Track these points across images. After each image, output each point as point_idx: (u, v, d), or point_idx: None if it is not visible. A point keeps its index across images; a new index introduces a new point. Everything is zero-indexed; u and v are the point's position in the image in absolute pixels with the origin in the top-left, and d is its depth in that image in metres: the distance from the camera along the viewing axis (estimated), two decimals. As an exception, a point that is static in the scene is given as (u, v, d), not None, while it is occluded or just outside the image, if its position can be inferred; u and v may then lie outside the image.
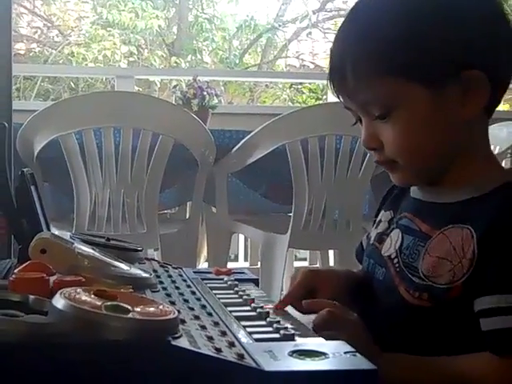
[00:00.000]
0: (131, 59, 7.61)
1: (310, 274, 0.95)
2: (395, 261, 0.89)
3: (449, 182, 0.88)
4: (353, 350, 0.63)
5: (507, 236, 0.79)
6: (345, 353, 0.63)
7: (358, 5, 0.90)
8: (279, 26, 8.49)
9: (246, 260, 3.96)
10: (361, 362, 0.61)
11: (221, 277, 1.02)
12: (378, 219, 0.99)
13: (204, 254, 3.17)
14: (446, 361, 0.79)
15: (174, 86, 3.09)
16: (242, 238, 3.90)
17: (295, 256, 3.55)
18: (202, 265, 3.08)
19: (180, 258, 2.34)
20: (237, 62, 8.17)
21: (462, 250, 0.81)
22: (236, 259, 4.05)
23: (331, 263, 2.87)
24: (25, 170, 1.04)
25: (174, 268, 1.05)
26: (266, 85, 8.22)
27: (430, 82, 0.83)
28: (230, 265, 3.00)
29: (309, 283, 0.94)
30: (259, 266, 2.71)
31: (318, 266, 3.05)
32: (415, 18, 0.84)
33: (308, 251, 3.40)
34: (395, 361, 0.79)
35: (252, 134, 2.36)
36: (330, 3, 8.60)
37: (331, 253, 2.92)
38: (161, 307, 0.65)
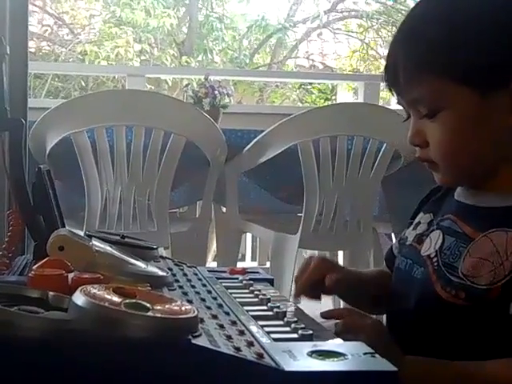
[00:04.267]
0: (143, 57, 7.63)
1: (322, 262, 1.02)
2: (434, 260, 0.89)
3: (495, 187, 0.89)
4: (372, 351, 0.63)
5: None
6: (364, 354, 0.63)
7: (415, 6, 0.92)
8: (290, 26, 8.49)
9: (253, 259, 3.96)
10: (381, 364, 0.61)
11: (235, 276, 1.02)
12: (416, 221, 1.00)
13: (212, 252, 3.18)
14: (473, 366, 0.79)
15: (186, 85, 3.10)
16: (249, 237, 3.90)
17: (304, 257, 3.55)
18: (210, 264, 3.09)
19: (189, 257, 2.34)
20: (247, 61, 8.18)
21: (505, 253, 0.82)
22: (243, 259, 4.04)
23: (340, 263, 2.87)
24: (41, 166, 1.04)
25: (188, 267, 1.05)
26: (276, 85, 8.22)
27: (478, 86, 0.84)
28: (238, 264, 3.00)
29: (319, 272, 0.99)
30: (268, 265, 2.72)
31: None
32: (466, 22, 0.85)
33: (317, 252, 3.40)
34: (418, 364, 0.79)
35: (264, 133, 2.36)
36: (341, 4, 8.59)
37: (341, 254, 2.91)
38: (180, 305, 0.65)
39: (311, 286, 1.00)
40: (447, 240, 0.89)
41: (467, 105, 0.85)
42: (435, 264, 0.89)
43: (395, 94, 0.91)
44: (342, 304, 2.61)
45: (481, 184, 0.91)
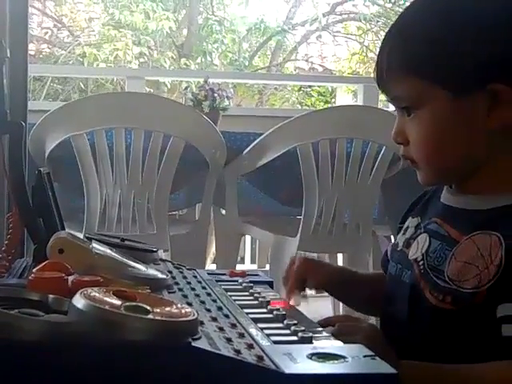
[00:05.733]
0: (142, 60, 7.64)
1: (304, 262, 1.06)
2: (420, 263, 0.90)
3: (476, 189, 0.89)
4: (372, 353, 0.63)
5: None
6: (364, 356, 0.63)
7: (407, 7, 0.94)
8: (289, 28, 8.50)
9: (252, 262, 3.96)
10: (381, 366, 0.61)
11: (235, 279, 1.02)
12: (405, 226, 1.00)
13: (211, 255, 3.18)
14: (465, 369, 0.79)
15: (185, 88, 3.10)
16: (248, 240, 3.90)
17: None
18: (209, 266, 3.08)
19: (189, 259, 2.34)
20: (246, 64, 8.18)
21: (489, 257, 0.82)
22: (242, 261, 4.04)
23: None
24: (41, 169, 1.04)
25: (188, 269, 1.05)
26: (275, 87, 8.23)
27: (455, 89, 0.85)
28: (237, 267, 3.00)
29: (303, 272, 1.04)
30: (268, 268, 2.71)
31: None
32: (447, 25, 0.86)
33: (317, 254, 3.40)
34: (413, 368, 0.79)
35: (263, 136, 2.36)
36: (339, 6, 8.60)
37: (340, 256, 2.91)
38: (180, 308, 0.65)
39: (298, 288, 1.02)
40: (433, 243, 0.90)
41: (443, 106, 0.86)
42: (421, 267, 0.89)
43: (380, 91, 0.93)
44: (341, 308, 2.61)
45: (461, 184, 0.91)
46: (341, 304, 2.49)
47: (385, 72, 0.89)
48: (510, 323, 0.79)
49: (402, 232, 0.99)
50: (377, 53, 0.93)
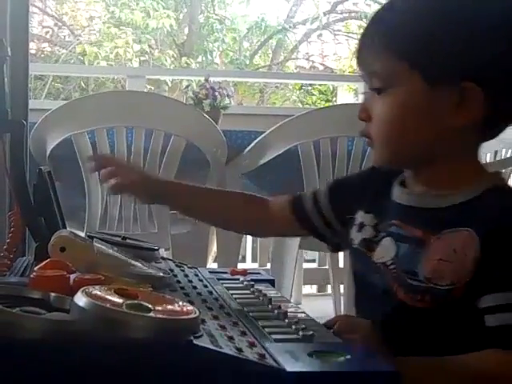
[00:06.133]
0: (143, 58, 7.64)
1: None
2: (391, 267, 0.89)
3: (434, 186, 0.89)
4: (372, 351, 0.63)
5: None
6: (365, 354, 0.63)
7: None
8: (289, 27, 8.50)
9: (253, 261, 3.96)
10: (382, 364, 0.61)
11: (237, 277, 1.02)
12: (358, 221, 0.97)
13: (212, 254, 3.17)
14: (454, 360, 0.80)
15: (186, 86, 3.10)
16: (249, 238, 3.90)
17: (304, 258, 3.55)
18: (210, 265, 3.08)
19: (190, 258, 2.34)
20: (247, 62, 8.18)
21: (462, 251, 0.83)
22: (244, 260, 4.04)
23: (341, 265, 2.87)
24: (42, 167, 1.04)
25: (189, 268, 1.05)
26: (276, 86, 8.23)
27: (429, 77, 0.85)
28: (239, 266, 3.00)
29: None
30: (269, 266, 2.71)
31: (326, 267, 3.04)
32: (434, 15, 0.87)
33: (317, 252, 3.40)
34: (407, 363, 0.79)
35: (264, 134, 2.36)
36: (340, 5, 8.59)
37: (341, 255, 2.91)
38: (182, 306, 0.65)
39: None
40: (402, 247, 0.89)
41: (415, 91, 0.86)
42: (393, 271, 0.89)
43: (357, 65, 0.93)
44: (342, 306, 2.61)
45: (415, 178, 0.91)
46: (342, 302, 2.49)
47: (367, 47, 0.90)
48: (493, 313, 0.80)
49: (357, 228, 0.96)
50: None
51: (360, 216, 0.97)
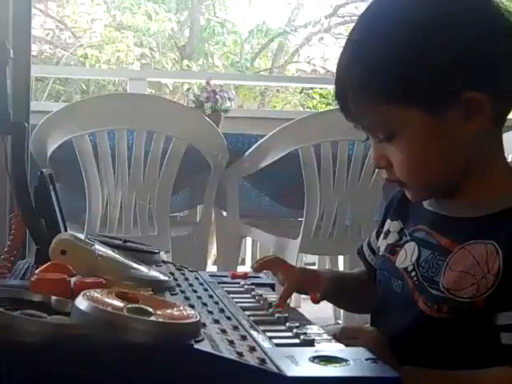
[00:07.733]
0: (143, 61, 7.64)
1: (301, 273, 1.02)
2: (413, 274, 0.89)
3: (466, 196, 0.88)
4: (374, 356, 0.63)
5: None
6: (366, 359, 0.63)
7: (356, 25, 0.89)
8: (291, 30, 8.50)
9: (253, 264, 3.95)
10: (383, 370, 0.61)
11: (237, 280, 1.02)
12: (385, 229, 0.99)
13: (212, 257, 3.17)
14: (466, 375, 0.79)
15: (187, 89, 3.10)
16: (249, 241, 3.89)
17: (304, 261, 3.54)
18: (210, 268, 3.08)
19: (190, 261, 2.34)
20: (248, 66, 8.18)
21: (486, 265, 0.82)
22: (243, 263, 4.04)
23: (340, 268, 2.87)
24: (44, 170, 1.04)
25: (189, 271, 1.05)
26: (277, 89, 8.23)
27: (429, 106, 0.83)
28: (238, 269, 3.00)
29: (299, 284, 1.00)
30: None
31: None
32: (409, 43, 0.83)
33: (317, 256, 3.40)
34: (415, 374, 0.79)
35: (265, 138, 2.36)
36: (342, 9, 8.60)
37: (341, 259, 2.91)
38: (183, 310, 0.65)
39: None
40: (424, 252, 0.89)
41: (419, 125, 0.84)
42: (415, 278, 0.88)
43: (347, 118, 0.90)
44: (342, 310, 2.61)
45: (452, 193, 0.90)
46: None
47: (351, 103, 0.86)
48: (510, 331, 0.79)
49: (383, 236, 0.98)
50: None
51: (387, 224, 0.99)
